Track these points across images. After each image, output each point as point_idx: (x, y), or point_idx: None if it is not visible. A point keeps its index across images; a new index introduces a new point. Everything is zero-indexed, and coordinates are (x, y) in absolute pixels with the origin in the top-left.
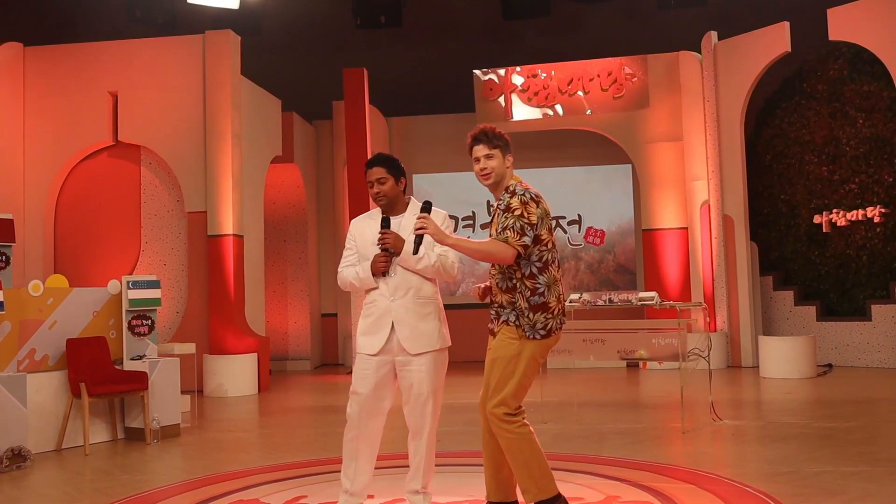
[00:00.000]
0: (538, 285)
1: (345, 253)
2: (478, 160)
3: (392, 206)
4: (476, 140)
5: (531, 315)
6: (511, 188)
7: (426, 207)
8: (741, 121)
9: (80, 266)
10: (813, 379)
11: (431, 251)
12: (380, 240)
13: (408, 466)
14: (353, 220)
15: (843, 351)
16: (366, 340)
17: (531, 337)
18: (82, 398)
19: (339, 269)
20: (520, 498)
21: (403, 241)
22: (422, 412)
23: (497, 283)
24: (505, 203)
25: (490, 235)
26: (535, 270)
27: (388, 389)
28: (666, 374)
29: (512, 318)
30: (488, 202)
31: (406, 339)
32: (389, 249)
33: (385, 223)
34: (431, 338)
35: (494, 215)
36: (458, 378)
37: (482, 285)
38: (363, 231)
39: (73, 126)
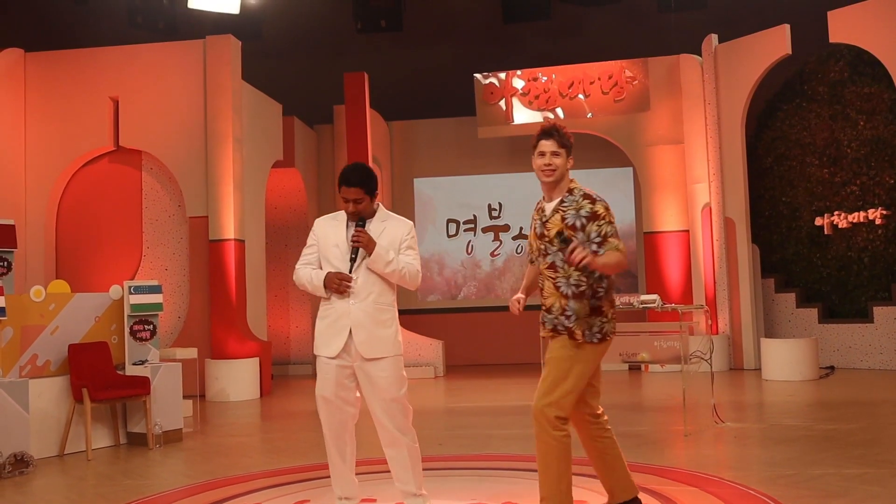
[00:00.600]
0: (600, 289)
1: (304, 250)
2: (543, 154)
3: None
4: (547, 134)
5: (589, 319)
6: (580, 191)
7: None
8: (742, 123)
9: (82, 271)
10: (815, 381)
11: (398, 256)
12: (353, 238)
13: None
14: (317, 220)
15: (845, 353)
16: (323, 343)
17: (589, 340)
18: (84, 403)
19: (297, 266)
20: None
21: (375, 243)
22: (389, 418)
23: (558, 287)
24: (588, 210)
25: (538, 239)
26: (602, 273)
27: (352, 394)
28: (668, 377)
29: (562, 325)
30: (489, 205)
31: (362, 344)
32: (355, 256)
33: (361, 223)
34: (387, 343)
35: (552, 216)
36: (459, 381)
37: (521, 297)
38: (326, 232)
39: (74, 131)
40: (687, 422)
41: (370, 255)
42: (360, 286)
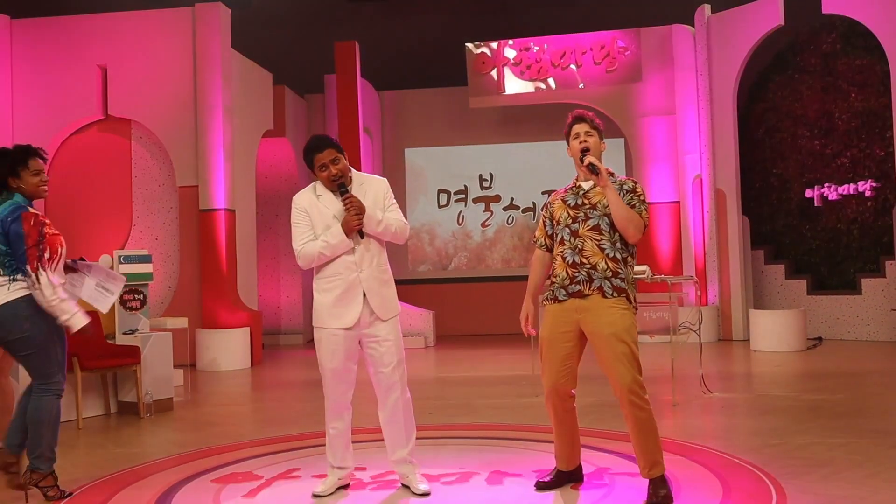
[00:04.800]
0: (634, 264)
1: (298, 230)
2: (578, 135)
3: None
4: (579, 119)
5: (633, 288)
6: (619, 176)
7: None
8: (734, 94)
9: (71, 241)
10: (803, 352)
11: (385, 214)
12: (346, 204)
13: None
14: (295, 197)
15: (832, 324)
16: (334, 315)
17: (635, 306)
18: (75, 373)
19: (299, 247)
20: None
21: (364, 205)
22: (395, 379)
23: (603, 249)
24: (630, 186)
25: (575, 209)
26: (634, 251)
27: (355, 360)
28: (657, 348)
29: (614, 284)
30: (480, 176)
31: (378, 307)
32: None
33: (342, 188)
34: (394, 302)
35: (592, 189)
36: (450, 351)
37: (530, 314)
38: (316, 206)
39: (62, 100)
40: (675, 392)
41: (363, 216)
42: (363, 254)
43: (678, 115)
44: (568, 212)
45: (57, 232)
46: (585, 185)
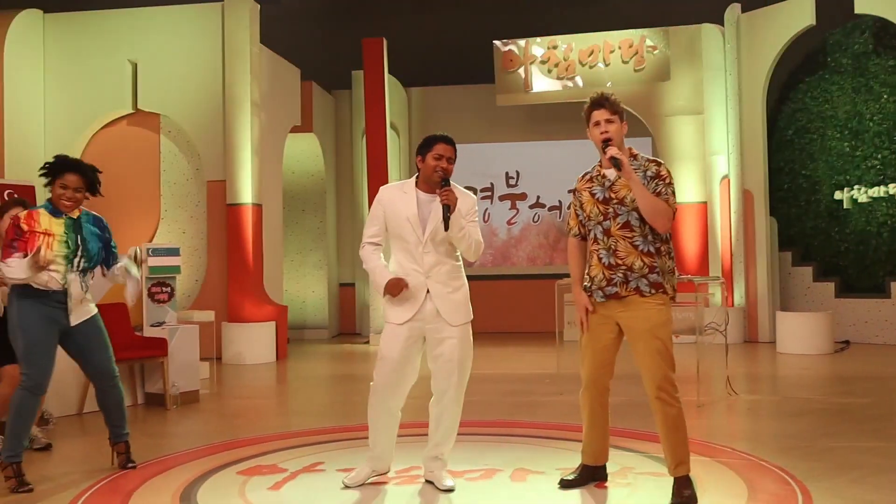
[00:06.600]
0: (671, 249)
1: (370, 221)
2: (598, 124)
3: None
4: (598, 104)
5: (671, 276)
6: (644, 157)
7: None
8: (763, 95)
9: None
10: (830, 355)
11: (473, 228)
12: (442, 195)
13: (425, 435)
14: (383, 188)
15: (860, 328)
16: (396, 310)
17: (673, 298)
18: None
19: (364, 244)
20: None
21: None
22: (450, 377)
23: (636, 246)
24: (654, 171)
25: (603, 204)
26: (668, 236)
27: (416, 357)
28: (682, 348)
29: (651, 281)
30: (506, 174)
31: (447, 312)
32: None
33: (445, 182)
34: (467, 308)
35: (618, 180)
36: (474, 349)
37: (588, 301)
38: (396, 204)
39: (92, 94)
40: (700, 393)
41: (451, 213)
42: (433, 263)
43: (706, 114)
44: (597, 207)
45: (43, 230)
46: (610, 175)
